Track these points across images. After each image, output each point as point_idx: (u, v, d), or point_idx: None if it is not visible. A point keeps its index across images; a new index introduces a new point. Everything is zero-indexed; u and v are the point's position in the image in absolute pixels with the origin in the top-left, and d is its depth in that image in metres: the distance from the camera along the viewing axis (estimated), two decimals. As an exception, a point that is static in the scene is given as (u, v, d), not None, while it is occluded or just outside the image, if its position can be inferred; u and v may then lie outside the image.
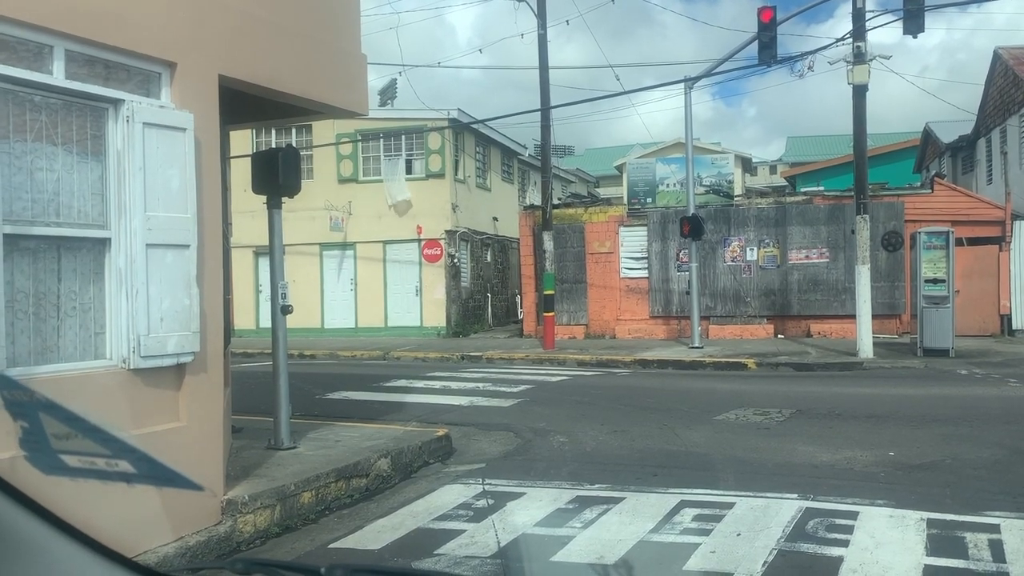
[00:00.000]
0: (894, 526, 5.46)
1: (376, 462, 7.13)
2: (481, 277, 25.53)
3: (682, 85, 18.50)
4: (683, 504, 6.08)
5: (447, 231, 23.06)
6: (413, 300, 23.39)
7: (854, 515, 5.69)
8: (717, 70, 18.64)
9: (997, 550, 4.94)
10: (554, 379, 13.87)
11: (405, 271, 23.42)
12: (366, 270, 23.67)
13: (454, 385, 13.10)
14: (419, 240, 23.14)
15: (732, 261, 20.76)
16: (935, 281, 15.78)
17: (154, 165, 5.13)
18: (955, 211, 19.57)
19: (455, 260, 23.32)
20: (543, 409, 10.63)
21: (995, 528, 5.33)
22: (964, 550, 4.97)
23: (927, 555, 4.90)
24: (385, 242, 23.43)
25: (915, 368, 14.46)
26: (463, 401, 11.43)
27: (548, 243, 19.57)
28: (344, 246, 23.73)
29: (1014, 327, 19.28)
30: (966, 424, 9.10)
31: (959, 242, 17.49)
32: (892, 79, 66.26)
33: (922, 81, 56.82)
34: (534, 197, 27.82)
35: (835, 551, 5.00)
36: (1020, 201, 19.85)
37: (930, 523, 5.47)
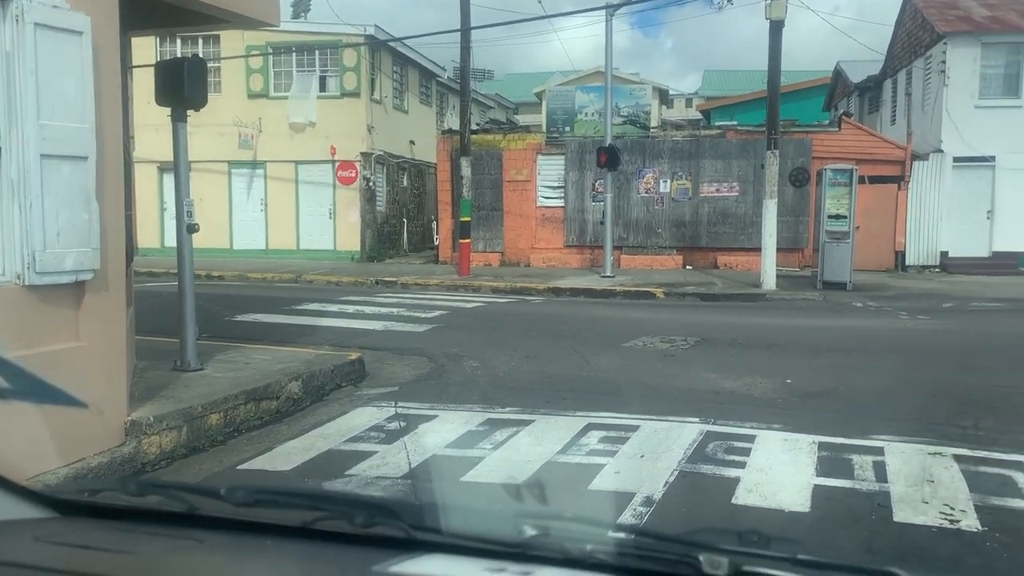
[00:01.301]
0: (788, 449, 5.76)
1: (287, 385, 7.07)
2: (397, 202, 25.19)
3: (603, 12, 18.36)
4: (590, 427, 6.26)
5: (362, 153, 22.55)
6: (326, 223, 22.94)
7: (751, 438, 5.97)
8: (639, -1, 18.51)
9: (880, 471, 5.27)
10: (468, 305, 13.94)
11: (318, 193, 22.89)
12: (277, 190, 23.03)
13: (368, 310, 13.02)
14: (333, 162, 22.58)
15: (646, 193, 21.02)
16: (837, 217, 16.38)
17: (48, 70, 4.81)
18: (860, 150, 20.20)
19: (370, 183, 22.90)
20: (457, 335, 10.68)
21: (879, 451, 5.67)
22: (851, 471, 5.28)
23: (817, 476, 5.19)
24: (297, 162, 22.77)
25: (814, 300, 15.08)
26: (377, 326, 11.39)
27: (466, 169, 19.39)
28: (254, 165, 22.98)
29: (907, 263, 20.29)
30: (859, 354, 9.58)
31: (862, 180, 18.10)
32: (805, 17, 67.30)
33: (835, 20, 57.89)
34: (452, 121, 27.40)
35: (732, 472, 5.25)
36: (920, 142, 20.63)
37: (821, 446, 5.78)
